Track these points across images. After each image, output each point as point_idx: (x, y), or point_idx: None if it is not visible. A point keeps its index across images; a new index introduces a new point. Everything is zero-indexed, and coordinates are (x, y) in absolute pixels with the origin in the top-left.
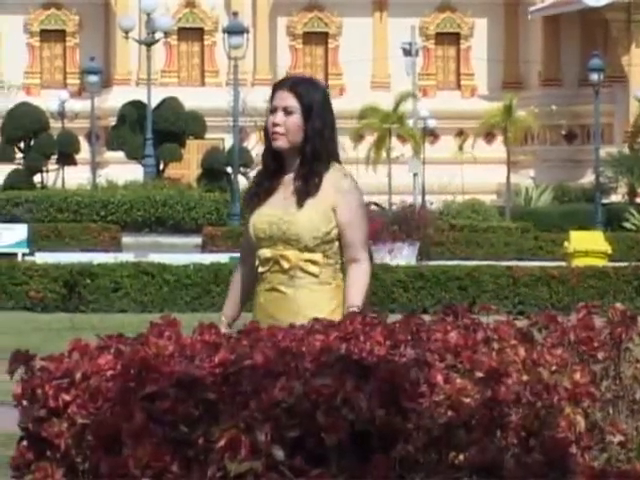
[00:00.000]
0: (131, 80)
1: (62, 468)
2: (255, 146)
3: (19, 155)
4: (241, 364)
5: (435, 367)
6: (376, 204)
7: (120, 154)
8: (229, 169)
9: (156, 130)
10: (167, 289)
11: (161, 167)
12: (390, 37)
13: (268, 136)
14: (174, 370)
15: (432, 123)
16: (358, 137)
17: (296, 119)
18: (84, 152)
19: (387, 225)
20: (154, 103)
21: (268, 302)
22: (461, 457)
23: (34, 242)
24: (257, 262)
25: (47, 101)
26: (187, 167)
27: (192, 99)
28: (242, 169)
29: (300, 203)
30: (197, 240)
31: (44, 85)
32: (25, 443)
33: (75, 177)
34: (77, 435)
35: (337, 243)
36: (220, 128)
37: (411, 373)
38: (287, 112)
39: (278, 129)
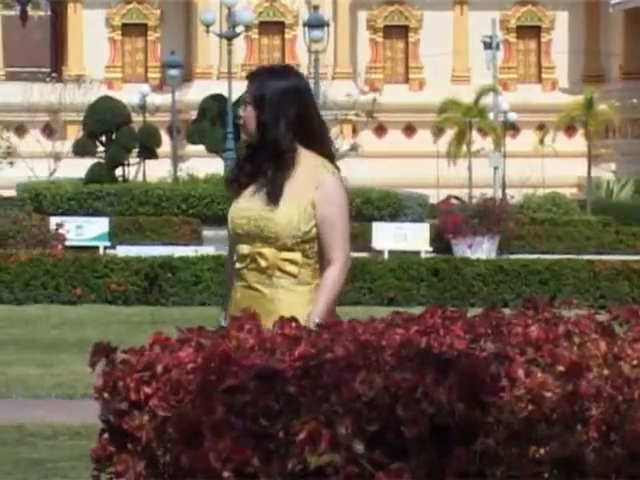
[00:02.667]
0: (212, 74)
1: (143, 461)
2: (335, 140)
3: (101, 149)
4: (322, 357)
5: (516, 361)
6: (456, 198)
7: (201, 147)
8: None
9: (236, 124)
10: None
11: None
12: (471, 31)
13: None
14: (255, 363)
15: (513, 117)
16: (438, 131)
17: (250, 110)
18: (165, 145)
19: (467, 219)
20: (235, 97)
21: (244, 300)
22: (542, 451)
23: (115, 235)
24: (235, 257)
25: (128, 95)
26: None
27: None
28: None
29: (273, 200)
30: None
31: (125, 79)
32: (106, 436)
33: (156, 170)
34: (158, 428)
35: (317, 242)
36: None
37: (491, 367)
38: (246, 104)
39: (240, 121)
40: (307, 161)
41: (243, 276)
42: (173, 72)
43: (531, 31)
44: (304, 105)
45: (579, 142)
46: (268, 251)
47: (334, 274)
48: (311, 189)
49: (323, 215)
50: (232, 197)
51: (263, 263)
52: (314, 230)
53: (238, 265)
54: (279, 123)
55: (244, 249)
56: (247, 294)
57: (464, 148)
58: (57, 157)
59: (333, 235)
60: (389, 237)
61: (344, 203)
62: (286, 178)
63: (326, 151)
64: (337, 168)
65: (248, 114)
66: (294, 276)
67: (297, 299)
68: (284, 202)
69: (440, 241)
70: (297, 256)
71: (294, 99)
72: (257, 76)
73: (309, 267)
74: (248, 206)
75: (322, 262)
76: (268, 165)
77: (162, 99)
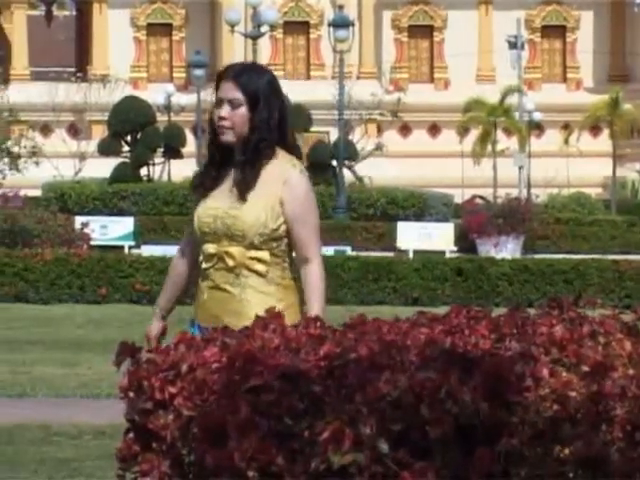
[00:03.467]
0: None
1: (168, 460)
2: (360, 139)
3: (126, 148)
4: (346, 357)
5: (540, 361)
6: (481, 197)
7: None
8: (334, 162)
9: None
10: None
11: None
12: (495, 30)
13: (213, 128)
14: (279, 363)
15: (538, 116)
16: (463, 131)
17: (243, 111)
18: (190, 145)
19: (492, 218)
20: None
21: (212, 301)
22: (566, 451)
23: (140, 235)
24: (201, 257)
25: (153, 95)
26: None
27: (298, 92)
28: (347, 162)
29: (242, 196)
30: None
31: (150, 79)
32: (131, 435)
33: (181, 170)
34: (183, 427)
35: (286, 240)
36: (325, 121)
37: (516, 367)
38: (233, 105)
39: (224, 123)
40: (275, 158)
41: (210, 276)
42: (198, 72)
43: (556, 31)
44: (282, 100)
45: (604, 142)
46: (235, 250)
47: (316, 273)
48: (278, 186)
49: (294, 213)
50: (197, 200)
51: (230, 262)
52: (282, 228)
53: (205, 265)
54: (271, 120)
55: (210, 248)
56: (214, 295)
57: (489, 148)
58: (82, 157)
59: (306, 233)
60: (414, 237)
61: (313, 200)
62: (258, 176)
63: (291, 146)
64: (302, 163)
65: (239, 114)
66: (262, 275)
67: (266, 299)
68: (251, 200)
69: (465, 241)
70: (265, 255)
71: (277, 94)
72: (241, 73)
73: (278, 266)
74: (215, 205)
75: (292, 260)
76: (247, 164)
77: (187, 99)
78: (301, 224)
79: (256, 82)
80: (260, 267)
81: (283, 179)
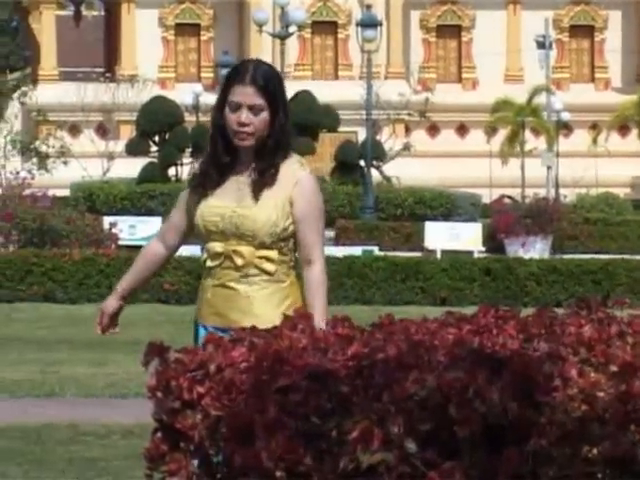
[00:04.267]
0: None
1: (196, 459)
2: (388, 139)
3: (154, 148)
4: (374, 357)
5: (569, 361)
6: (509, 197)
7: None
8: (362, 162)
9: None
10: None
11: None
12: (524, 30)
13: (221, 130)
14: (307, 363)
15: (566, 116)
16: (491, 130)
17: (265, 116)
18: None
19: (520, 218)
20: (288, 96)
21: (217, 298)
22: (594, 451)
23: None
24: (205, 255)
25: (181, 95)
26: (320, 160)
27: (325, 92)
28: (375, 162)
29: (256, 196)
30: (330, 233)
31: (178, 79)
32: (159, 435)
33: None
34: (211, 427)
35: (292, 239)
36: (353, 121)
37: (544, 367)
38: (255, 110)
39: (247, 129)
40: (287, 158)
41: (215, 274)
42: (226, 72)
43: (584, 30)
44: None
45: (632, 142)
46: (245, 249)
47: (319, 275)
48: (289, 186)
49: (302, 213)
50: (193, 199)
51: (239, 261)
52: (291, 228)
53: (210, 263)
54: (287, 122)
55: (217, 247)
56: (220, 293)
57: (517, 148)
58: (110, 157)
59: (311, 234)
60: (442, 237)
61: (321, 201)
62: (276, 177)
63: (292, 144)
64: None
65: (261, 120)
66: (270, 274)
67: (272, 297)
68: (262, 199)
69: (493, 241)
70: (274, 254)
71: (285, 91)
72: (260, 78)
73: (284, 265)
74: (221, 204)
75: (297, 259)
76: (264, 163)
77: (215, 99)
78: (307, 225)
79: (274, 85)
80: (268, 266)
81: (294, 180)
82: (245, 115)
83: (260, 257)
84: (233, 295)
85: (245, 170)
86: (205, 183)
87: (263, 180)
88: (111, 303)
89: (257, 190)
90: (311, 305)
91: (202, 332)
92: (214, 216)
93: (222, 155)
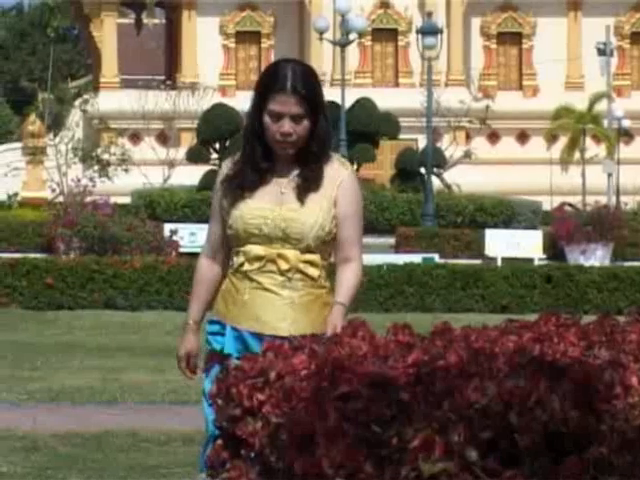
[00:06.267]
0: (325, 81)
1: (256, 467)
2: (448, 147)
3: (214, 156)
4: (434, 365)
5: (630, 369)
6: (570, 205)
7: None
8: (422, 170)
9: (350, 131)
10: (360, 289)
11: (355, 167)
12: (584, 37)
13: (256, 135)
14: (367, 370)
15: (626, 123)
16: (552, 138)
17: (306, 124)
18: None
19: (581, 226)
20: (348, 104)
21: (254, 301)
22: None
23: None
24: (241, 259)
25: (242, 102)
26: (381, 167)
27: (386, 100)
28: (435, 169)
29: (302, 199)
30: (390, 240)
31: (239, 86)
32: (220, 442)
33: None
34: (271, 434)
35: (331, 244)
36: (414, 128)
37: (605, 375)
38: (296, 119)
39: (290, 139)
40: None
41: (254, 278)
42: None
43: None
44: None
45: None
46: (290, 253)
47: (358, 272)
48: (333, 187)
49: (346, 213)
50: (228, 202)
51: (284, 265)
52: (334, 230)
53: (248, 266)
54: (329, 126)
55: (259, 250)
56: (260, 295)
57: (577, 155)
58: (171, 164)
59: (353, 232)
60: (502, 244)
61: (362, 201)
62: (321, 180)
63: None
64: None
65: (303, 127)
66: (314, 279)
67: (313, 304)
68: (308, 202)
69: (553, 248)
70: (317, 258)
71: (322, 90)
72: (302, 85)
73: (324, 269)
74: (263, 206)
75: (333, 263)
76: (310, 168)
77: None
78: (350, 223)
79: (314, 91)
80: (313, 271)
81: (338, 181)
82: (288, 125)
83: (305, 261)
84: (275, 300)
85: (286, 173)
86: (243, 184)
87: (308, 184)
88: (192, 342)
89: (303, 193)
90: (339, 287)
91: (231, 333)
92: (257, 218)
93: (260, 161)
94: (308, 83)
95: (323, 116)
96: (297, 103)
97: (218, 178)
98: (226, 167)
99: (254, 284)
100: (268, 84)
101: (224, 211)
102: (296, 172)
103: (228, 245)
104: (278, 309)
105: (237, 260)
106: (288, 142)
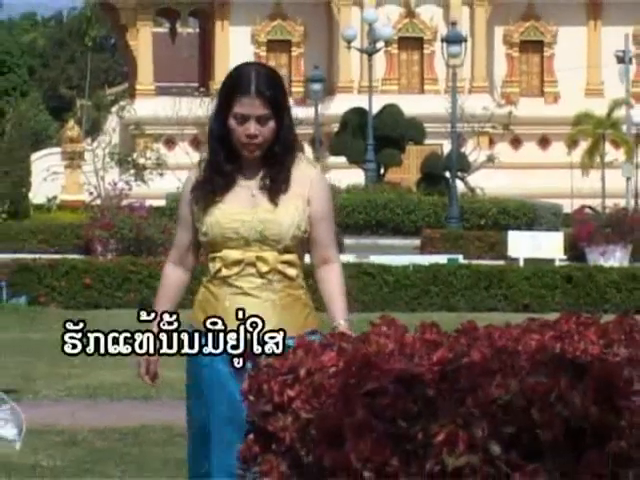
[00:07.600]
0: (353, 88)
1: (287, 461)
2: (472, 151)
3: None
4: (459, 362)
5: None
6: (590, 207)
7: (342, 159)
8: (447, 174)
9: (377, 136)
10: (387, 289)
11: (382, 171)
12: (604, 45)
13: (219, 140)
14: (394, 367)
15: None
16: (572, 143)
17: (272, 125)
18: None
19: (600, 228)
20: (375, 110)
21: (235, 307)
22: None
23: None
24: (218, 264)
25: None
26: (407, 172)
27: (412, 106)
28: (460, 173)
29: (274, 201)
30: (416, 242)
31: None
32: (252, 436)
33: None
34: (301, 429)
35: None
36: (439, 134)
37: (624, 371)
38: (261, 120)
39: (256, 141)
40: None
41: (233, 283)
42: (316, 86)
43: None
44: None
45: None
46: (269, 254)
47: (338, 273)
48: (304, 186)
49: (321, 212)
50: (199, 208)
51: (264, 268)
52: (308, 229)
53: (226, 272)
54: (293, 125)
55: (236, 254)
56: (239, 300)
57: (597, 159)
58: None
59: (329, 232)
60: (525, 245)
61: (332, 199)
62: (289, 180)
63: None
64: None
65: (268, 129)
66: (292, 279)
67: (295, 304)
68: (282, 203)
69: (574, 249)
70: (295, 258)
71: (287, 92)
72: (265, 87)
73: (300, 269)
74: (239, 210)
75: (311, 260)
76: (276, 168)
77: (305, 112)
78: (325, 223)
79: (279, 92)
80: (291, 271)
81: (308, 180)
82: (254, 127)
83: (283, 262)
84: (256, 304)
85: (254, 176)
86: (214, 190)
87: (278, 185)
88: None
89: (274, 195)
90: (334, 303)
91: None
92: (233, 222)
93: (224, 164)
94: (272, 85)
95: (288, 117)
96: (262, 105)
97: (186, 186)
98: (194, 175)
99: (233, 289)
100: (232, 87)
101: (195, 218)
102: (263, 174)
103: (195, 252)
104: (261, 313)
105: (214, 266)
106: (254, 144)
